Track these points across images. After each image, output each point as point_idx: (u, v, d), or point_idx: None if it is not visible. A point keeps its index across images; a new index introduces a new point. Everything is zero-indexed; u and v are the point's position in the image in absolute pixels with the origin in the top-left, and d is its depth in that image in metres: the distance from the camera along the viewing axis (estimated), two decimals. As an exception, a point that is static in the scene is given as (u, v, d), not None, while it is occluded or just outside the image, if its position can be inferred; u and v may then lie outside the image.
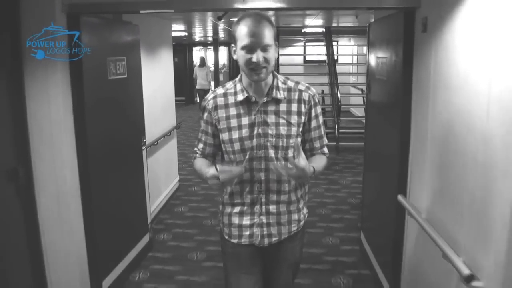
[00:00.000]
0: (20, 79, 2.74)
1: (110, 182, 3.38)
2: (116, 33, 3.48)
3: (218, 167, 1.77)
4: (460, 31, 2.13)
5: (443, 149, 2.33)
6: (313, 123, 2.03)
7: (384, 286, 3.28)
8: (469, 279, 1.84)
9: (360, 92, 10.51)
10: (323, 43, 10.69)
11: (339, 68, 9.84)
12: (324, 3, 2.87)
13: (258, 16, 1.85)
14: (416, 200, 2.73)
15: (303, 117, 1.98)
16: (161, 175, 5.19)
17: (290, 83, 2.00)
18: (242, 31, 1.82)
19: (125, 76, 3.58)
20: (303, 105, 1.97)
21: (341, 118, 8.85)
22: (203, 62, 13.25)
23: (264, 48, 1.82)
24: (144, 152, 4.08)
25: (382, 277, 3.35)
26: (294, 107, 1.96)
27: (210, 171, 1.80)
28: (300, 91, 1.99)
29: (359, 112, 11.17)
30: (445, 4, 2.26)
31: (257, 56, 1.81)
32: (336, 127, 8.25)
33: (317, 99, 2.03)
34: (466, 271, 1.85)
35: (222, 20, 6.54)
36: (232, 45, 1.92)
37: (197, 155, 2.11)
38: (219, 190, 2.03)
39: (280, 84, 1.98)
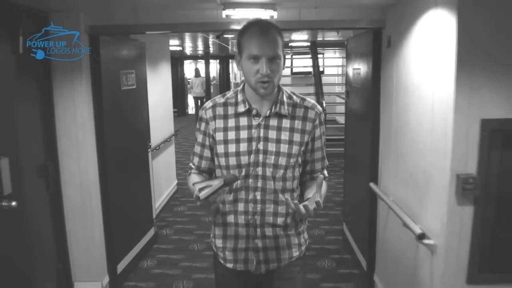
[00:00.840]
0: (49, 89, 3.22)
1: (122, 179, 3.86)
2: (127, 50, 3.98)
3: (195, 185, 1.58)
4: (413, 48, 2.70)
5: (402, 141, 2.88)
6: (317, 144, 1.89)
7: (363, 265, 3.79)
8: (421, 237, 2.37)
9: (344, 101, 11.08)
10: (309, 56, 11.28)
11: (325, 79, 10.43)
12: (309, 24, 3.41)
13: (267, 24, 1.74)
14: (385, 185, 3.27)
15: (306, 136, 1.83)
16: (162, 177, 5.67)
17: (296, 99, 1.87)
18: (249, 40, 1.70)
19: (134, 87, 4.09)
20: (307, 123, 1.83)
21: (326, 125, 9.41)
22: (198, 73, 14.54)
23: (272, 59, 1.70)
24: (149, 155, 4.58)
25: (361, 259, 3.86)
26: (298, 124, 1.82)
27: (195, 192, 1.58)
28: (306, 108, 1.85)
29: (343, 120, 11.73)
30: (402, 25, 2.82)
31: (265, 68, 1.68)
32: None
33: (323, 118, 1.89)
34: (418, 230, 2.39)
35: (220, 38, 7.06)
36: (237, 55, 1.80)
37: (192, 170, 1.96)
38: (215, 212, 1.86)
39: (285, 99, 1.84)
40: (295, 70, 14.13)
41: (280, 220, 1.84)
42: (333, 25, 3.37)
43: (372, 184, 3.34)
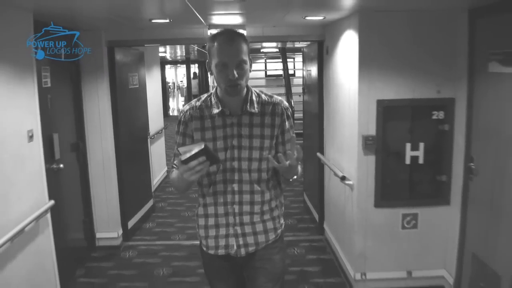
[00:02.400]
0: (79, 86, 4.33)
1: (131, 156, 4.97)
2: (132, 57, 5.11)
3: (179, 149, 1.79)
4: (339, 55, 3.93)
5: (336, 120, 4.11)
6: (287, 136, 2.05)
7: (316, 219, 5.00)
8: (343, 178, 3.61)
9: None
10: (280, 60, 12.54)
11: (296, 80, 11.69)
12: (269, 38, 4.62)
13: (232, 33, 1.89)
14: (327, 153, 4.51)
15: (276, 130, 2.00)
16: (156, 162, 6.78)
17: (264, 97, 2.02)
18: (217, 48, 1.84)
19: (137, 86, 5.23)
20: (276, 118, 1.99)
21: (295, 121, 10.68)
22: (195, 75, 17.03)
23: (239, 65, 1.84)
24: (148, 141, 5.71)
25: (315, 214, 5.08)
26: (268, 119, 1.98)
27: (177, 161, 1.79)
28: (274, 104, 2.01)
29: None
30: (334, 39, 4.06)
31: (232, 73, 1.83)
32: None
33: (290, 112, 2.05)
34: (341, 174, 3.64)
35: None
36: (208, 60, 1.95)
37: (174, 169, 2.09)
38: (195, 180, 1.86)
39: (254, 98, 1.99)
40: (268, 73, 15.40)
41: (256, 208, 2.01)
42: (288, 39, 4.61)
43: (318, 154, 4.58)
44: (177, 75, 20.48)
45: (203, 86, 16.48)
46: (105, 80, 4.40)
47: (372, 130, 3.41)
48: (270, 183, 2.05)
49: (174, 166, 2.08)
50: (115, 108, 4.56)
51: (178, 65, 18.86)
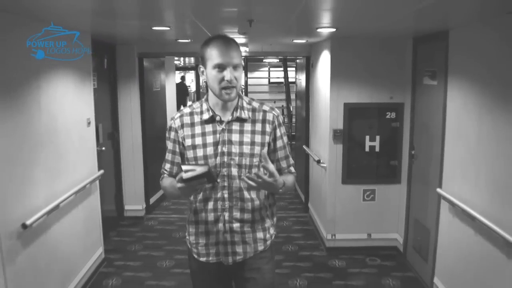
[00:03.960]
0: (115, 88, 5.49)
1: (153, 146, 6.11)
2: (155, 65, 6.26)
3: (182, 167, 1.77)
4: (319, 68, 5.07)
5: (315, 119, 5.25)
6: (279, 143, 2.05)
7: (303, 200, 6.11)
8: (318, 162, 4.73)
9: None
10: (282, 69, 13.70)
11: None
12: (267, 53, 5.78)
13: (227, 38, 1.91)
14: (311, 146, 5.64)
15: (267, 137, 1.99)
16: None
17: (255, 104, 2.02)
18: (213, 51, 1.86)
19: (159, 89, 6.39)
20: (267, 125, 1.99)
21: (293, 124, 11.79)
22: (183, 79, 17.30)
23: (235, 67, 1.86)
24: (167, 132, 6.85)
25: (302, 196, 6.19)
26: (259, 126, 1.98)
27: (177, 177, 1.80)
28: (265, 111, 2.00)
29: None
30: (316, 56, 5.21)
31: (229, 74, 1.84)
32: (290, 130, 11.17)
33: (281, 119, 2.06)
34: (317, 158, 4.76)
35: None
36: (200, 66, 1.95)
37: (165, 175, 2.13)
38: (190, 196, 1.99)
39: (245, 105, 2.00)
40: (271, 80, 16.57)
41: (247, 216, 2.00)
42: (282, 54, 5.80)
43: (304, 146, 5.72)
44: (185, 80, 21.67)
45: (199, 93, 17.59)
46: (135, 84, 5.55)
47: (340, 125, 4.54)
48: (261, 192, 2.03)
49: (165, 172, 2.14)
50: (142, 106, 5.71)
51: (187, 71, 20.03)
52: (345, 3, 2.64)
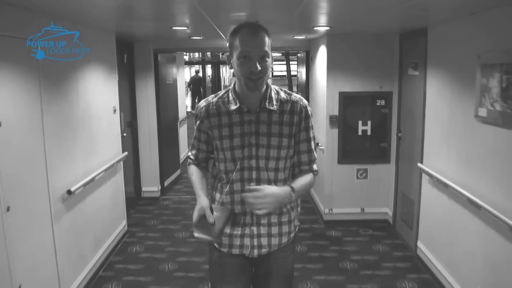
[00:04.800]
0: (133, 81, 6.07)
1: (167, 133, 6.70)
2: (168, 60, 6.84)
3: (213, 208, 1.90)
4: (317, 62, 5.64)
5: (315, 107, 5.81)
6: (302, 135, 1.98)
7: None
8: (317, 144, 5.23)
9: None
10: (284, 63, 14.28)
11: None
12: (272, 48, 6.32)
13: (255, 25, 1.85)
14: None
15: (294, 128, 1.94)
16: (182, 141, 8.49)
17: (283, 94, 1.96)
18: (240, 40, 1.80)
19: (171, 82, 6.97)
20: (295, 116, 1.94)
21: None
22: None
23: (262, 57, 1.79)
24: (178, 124, 7.46)
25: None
26: (286, 118, 1.92)
27: (198, 204, 1.89)
28: (293, 102, 1.95)
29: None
30: (315, 50, 5.77)
31: (255, 65, 1.77)
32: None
33: (310, 111, 1.99)
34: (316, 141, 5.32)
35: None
36: (228, 54, 1.90)
37: (191, 161, 2.13)
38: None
39: (273, 95, 1.94)
40: (275, 73, 17.18)
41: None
42: (285, 49, 6.40)
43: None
44: (191, 74, 22.20)
45: (215, 87, 18.17)
46: (151, 77, 6.14)
47: (335, 112, 5.11)
48: (287, 183, 1.98)
49: (191, 158, 2.13)
50: (157, 97, 6.29)
51: (193, 65, 20.58)
52: (336, 8, 3.21)
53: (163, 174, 6.52)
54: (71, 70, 3.70)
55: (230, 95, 1.97)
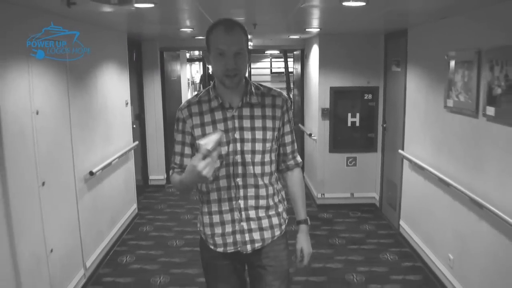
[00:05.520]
0: (141, 77, 6.56)
1: (170, 126, 7.16)
2: (173, 57, 7.33)
3: (198, 142, 1.70)
4: (311, 59, 6.13)
5: (308, 102, 6.30)
6: (286, 128, 2.03)
7: (299, 172, 7.22)
8: (310, 135, 5.82)
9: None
10: (283, 60, 14.77)
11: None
12: (268, 47, 6.85)
13: (231, 22, 1.84)
14: (305, 125, 6.72)
15: (277, 122, 1.96)
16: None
17: (264, 89, 1.98)
18: (215, 37, 1.81)
19: (176, 78, 7.48)
20: (277, 109, 1.96)
21: (292, 110, 12.93)
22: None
23: (237, 53, 1.80)
24: (175, 126, 7.95)
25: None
26: (269, 111, 1.95)
27: (193, 157, 1.70)
28: (273, 96, 1.97)
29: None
30: (309, 49, 6.27)
31: (230, 61, 1.79)
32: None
33: (289, 104, 2.02)
34: (309, 132, 5.85)
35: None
36: (206, 52, 1.90)
37: (175, 170, 2.04)
38: (210, 175, 1.67)
39: (253, 90, 1.95)
40: (273, 70, 17.63)
41: (262, 202, 1.97)
42: (282, 48, 6.87)
43: (300, 125, 6.80)
44: (191, 71, 22.64)
45: (206, 84, 18.54)
46: (158, 74, 6.64)
47: (327, 105, 5.61)
48: (273, 177, 2.02)
49: (175, 166, 2.04)
50: (163, 92, 6.79)
51: (193, 62, 20.94)
52: (325, 14, 3.70)
53: (168, 163, 6.98)
54: (91, 67, 4.19)
55: (210, 93, 1.95)
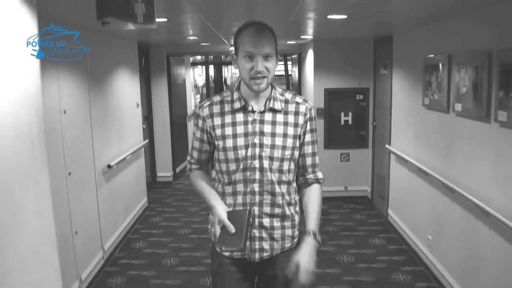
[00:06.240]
0: (149, 81, 7.05)
1: (177, 127, 7.67)
2: (178, 61, 7.82)
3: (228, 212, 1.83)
4: (307, 62, 6.61)
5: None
6: (307, 137, 1.95)
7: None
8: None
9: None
10: (282, 63, 15.27)
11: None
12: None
13: (261, 24, 1.82)
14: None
15: (299, 129, 1.90)
16: (190, 134, 9.45)
17: (288, 95, 1.94)
18: (244, 39, 1.79)
19: (181, 82, 7.97)
20: (300, 117, 1.90)
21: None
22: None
23: (266, 57, 1.78)
24: (187, 119, 8.45)
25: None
26: (291, 118, 1.89)
27: (216, 217, 1.83)
28: (298, 103, 1.93)
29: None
30: (305, 53, 6.75)
31: (259, 65, 1.76)
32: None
33: (314, 113, 1.97)
34: None
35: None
36: (233, 54, 1.89)
37: (193, 166, 2.06)
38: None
39: (278, 95, 1.91)
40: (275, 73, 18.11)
41: (277, 210, 1.90)
42: (280, 52, 7.24)
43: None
44: (194, 74, 23.16)
45: (218, 88, 19.01)
46: (164, 78, 7.13)
47: (321, 105, 6.08)
48: (291, 187, 1.95)
49: (193, 161, 2.06)
50: (170, 95, 7.27)
51: (196, 66, 21.40)
52: (317, 23, 4.18)
53: (175, 161, 7.50)
54: (108, 71, 4.68)
55: (234, 94, 1.93)
